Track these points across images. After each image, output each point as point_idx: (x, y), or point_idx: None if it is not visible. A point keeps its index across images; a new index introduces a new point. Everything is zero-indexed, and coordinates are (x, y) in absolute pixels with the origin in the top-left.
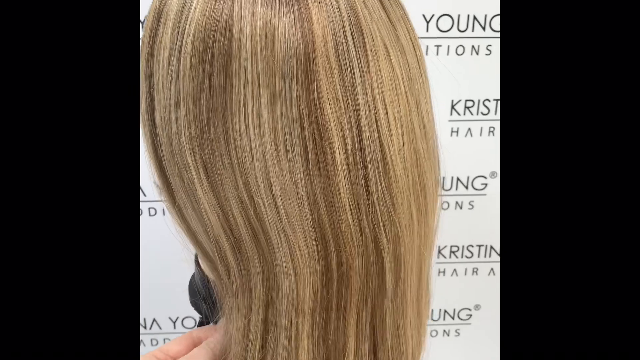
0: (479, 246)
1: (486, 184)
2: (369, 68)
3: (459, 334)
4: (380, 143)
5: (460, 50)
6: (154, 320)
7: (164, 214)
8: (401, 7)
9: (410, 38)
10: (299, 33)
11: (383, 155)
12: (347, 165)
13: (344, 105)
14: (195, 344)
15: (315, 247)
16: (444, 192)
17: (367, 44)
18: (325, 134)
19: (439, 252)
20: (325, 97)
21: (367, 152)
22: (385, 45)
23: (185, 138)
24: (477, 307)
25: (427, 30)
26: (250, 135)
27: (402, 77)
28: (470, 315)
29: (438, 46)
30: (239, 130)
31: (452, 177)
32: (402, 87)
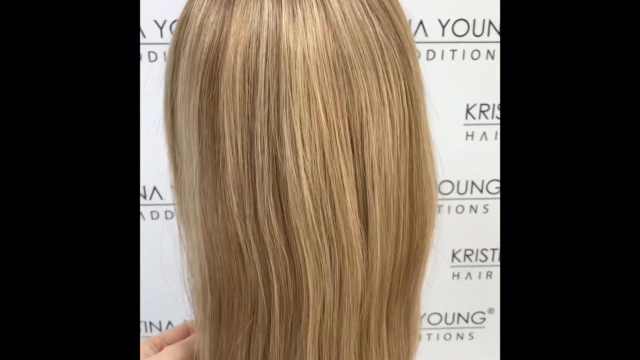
0: (493, 250)
1: None
2: (278, 81)
3: (472, 337)
4: (274, 157)
5: (475, 54)
6: (169, 322)
7: None
8: (374, 20)
9: (375, 56)
10: (217, 33)
11: (277, 172)
12: (237, 173)
13: (241, 110)
14: (190, 332)
15: (202, 244)
16: (459, 196)
17: (282, 57)
18: (217, 135)
19: (453, 255)
20: (223, 99)
21: (256, 163)
22: (305, 61)
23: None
24: (491, 310)
25: (442, 35)
26: (182, 125)
27: (329, 97)
28: (484, 319)
29: (454, 50)
30: (178, 118)
31: (467, 181)
32: (321, 106)
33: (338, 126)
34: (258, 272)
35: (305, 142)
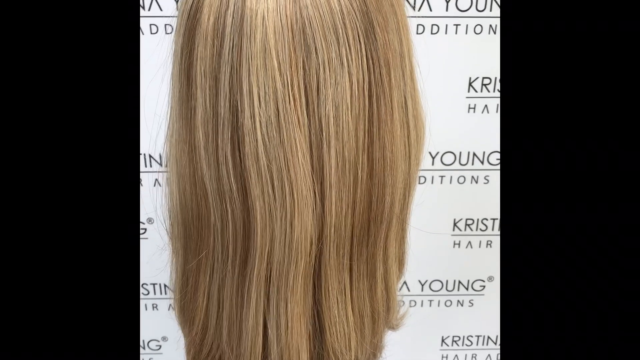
0: (494, 219)
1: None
2: (240, 39)
3: (472, 304)
4: (234, 109)
5: (478, 29)
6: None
7: None
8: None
9: (336, 19)
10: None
11: (236, 123)
12: (204, 120)
13: (210, 64)
14: None
15: (175, 185)
16: (461, 167)
17: (245, 16)
18: (192, 86)
19: (455, 224)
20: (197, 53)
21: (219, 112)
22: (264, 21)
23: None
24: (490, 278)
25: (446, 10)
26: (174, 79)
27: (285, 55)
28: (484, 286)
29: (457, 25)
30: (173, 72)
31: (469, 152)
32: (276, 63)
33: (292, 83)
34: (216, 213)
35: (261, 96)
